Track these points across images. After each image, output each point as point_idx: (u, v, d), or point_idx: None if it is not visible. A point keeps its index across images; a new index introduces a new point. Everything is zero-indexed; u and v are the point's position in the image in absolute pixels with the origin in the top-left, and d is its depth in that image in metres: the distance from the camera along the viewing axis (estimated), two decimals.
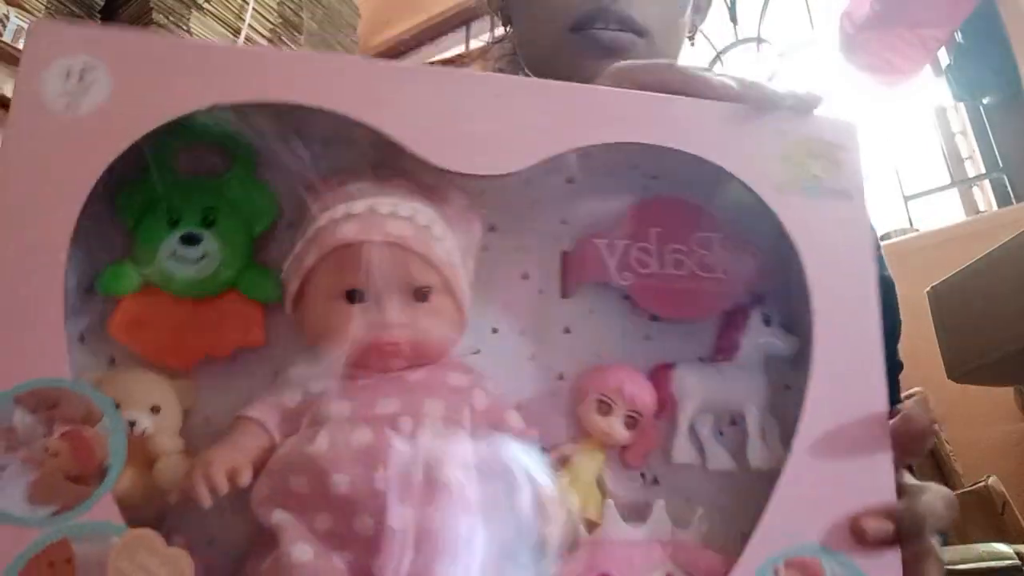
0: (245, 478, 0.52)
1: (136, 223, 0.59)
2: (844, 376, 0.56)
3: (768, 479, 0.56)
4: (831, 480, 0.54)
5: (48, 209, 0.50)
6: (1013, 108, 2.54)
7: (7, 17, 1.42)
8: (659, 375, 0.63)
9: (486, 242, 0.65)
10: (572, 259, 0.65)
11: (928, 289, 1.50)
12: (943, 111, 2.85)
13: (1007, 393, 2.20)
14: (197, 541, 0.54)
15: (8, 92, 1.40)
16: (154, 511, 0.53)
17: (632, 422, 0.60)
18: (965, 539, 1.50)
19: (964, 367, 1.30)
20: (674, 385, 0.62)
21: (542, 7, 0.95)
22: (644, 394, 0.60)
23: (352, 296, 0.55)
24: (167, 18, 1.98)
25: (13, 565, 0.45)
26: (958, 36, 2.48)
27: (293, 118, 0.58)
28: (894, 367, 0.78)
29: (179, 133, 0.58)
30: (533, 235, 0.66)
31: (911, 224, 2.77)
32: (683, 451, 0.61)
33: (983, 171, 2.70)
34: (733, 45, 2.76)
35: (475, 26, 3.36)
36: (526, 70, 1.04)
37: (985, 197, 2.73)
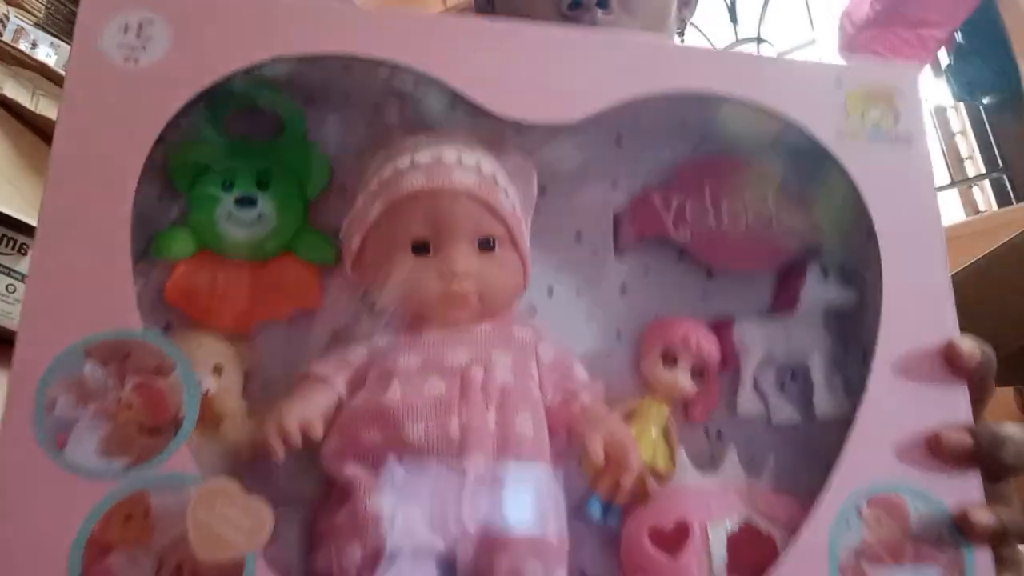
0: (317, 431, 0.51)
1: (190, 187, 0.58)
2: (915, 317, 0.55)
3: (835, 429, 0.55)
4: (909, 416, 0.53)
5: (112, 161, 0.49)
6: (1013, 108, 2.55)
7: (7, 17, 1.42)
8: (720, 330, 0.62)
9: (538, 203, 0.64)
10: (625, 217, 0.65)
11: None
12: (943, 111, 2.86)
13: (1007, 393, 2.20)
14: (268, 500, 0.53)
15: (8, 92, 1.40)
16: (223, 471, 0.51)
17: (698, 373, 0.59)
18: None
19: None
20: (736, 338, 0.61)
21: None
22: (709, 344, 0.59)
23: (418, 247, 0.54)
24: None
25: (89, 519, 0.44)
26: (958, 36, 2.49)
27: (349, 76, 0.58)
28: None
29: (230, 97, 0.58)
30: (584, 197, 0.66)
31: None
32: (749, 403, 0.61)
33: (983, 171, 2.71)
34: (733, 45, 2.77)
35: None
36: None
37: (985, 197, 2.74)
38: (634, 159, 0.67)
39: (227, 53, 0.52)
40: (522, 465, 0.51)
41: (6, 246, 1.21)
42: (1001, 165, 2.64)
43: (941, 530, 0.51)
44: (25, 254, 1.22)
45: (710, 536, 0.52)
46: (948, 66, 2.59)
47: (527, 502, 0.51)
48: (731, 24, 2.83)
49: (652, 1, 0.87)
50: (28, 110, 1.41)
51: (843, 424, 0.55)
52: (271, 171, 0.59)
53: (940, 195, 2.76)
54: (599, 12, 0.82)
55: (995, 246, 1.18)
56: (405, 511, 0.49)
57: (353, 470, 0.51)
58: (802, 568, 0.49)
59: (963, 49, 2.50)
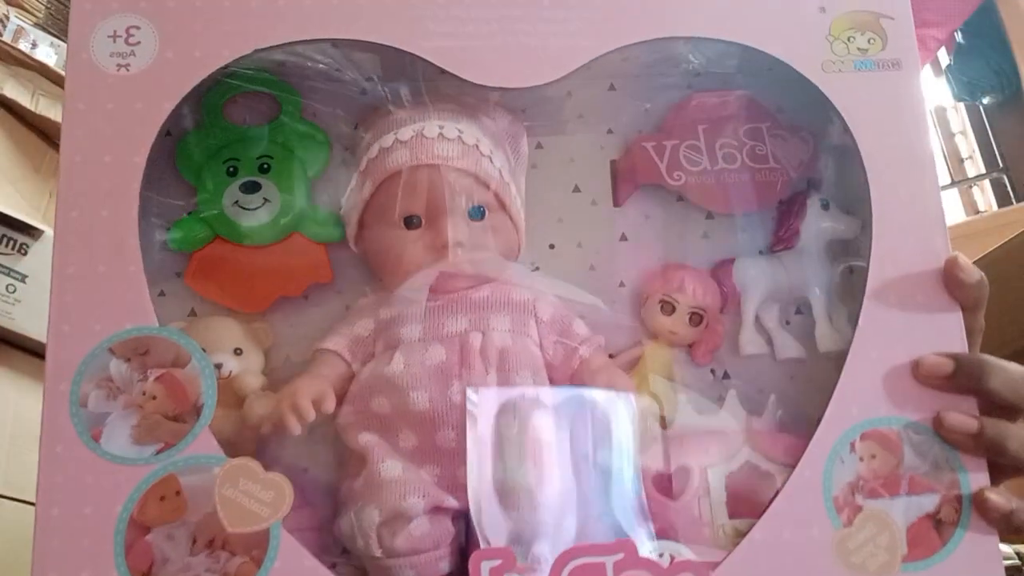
0: (329, 405, 0.54)
1: (197, 176, 0.61)
2: (907, 247, 0.55)
3: (838, 363, 0.56)
4: (902, 349, 0.53)
5: (115, 168, 0.52)
6: (1013, 108, 2.51)
7: (7, 17, 1.43)
8: (720, 271, 0.63)
9: (534, 159, 0.65)
10: (622, 166, 0.65)
11: None
12: (943, 111, 2.80)
13: None
14: (292, 469, 0.57)
15: (8, 92, 1.40)
16: (249, 447, 0.55)
17: (697, 319, 0.61)
18: None
19: None
20: (736, 278, 0.62)
21: None
22: (706, 289, 0.60)
23: (409, 222, 0.56)
24: None
25: (128, 501, 0.48)
26: (958, 36, 2.42)
27: (338, 53, 0.59)
28: None
29: (225, 84, 0.60)
30: (580, 148, 0.67)
31: None
32: (751, 342, 0.62)
33: (983, 171, 2.66)
34: None
35: None
36: None
37: (985, 197, 2.69)
38: (629, 104, 0.67)
39: (212, 50, 0.54)
40: (527, 422, 0.54)
41: (6, 246, 1.22)
42: (1001, 165, 2.60)
43: (937, 458, 0.52)
44: (25, 254, 1.23)
45: (709, 478, 0.54)
46: (948, 66, 2.52)
47: (534, 457, 0.53)
48: None
49: None
50: (28, 110, 1.41)
51: (846, 357, 0.55)
52: (271, 154, 0.62)
53: (940, 195, 2.67)
54: None
55: (995, 246, 1.15)
56: (417, 474, 0.53)
57: (366, 438, 0.54)
58: (796, 504, 0.51)
59: (963, 49, 2.45)
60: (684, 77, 0.67)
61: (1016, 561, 0.94)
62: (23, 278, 1.19)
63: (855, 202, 0.62)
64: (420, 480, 0.53)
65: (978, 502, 0.51)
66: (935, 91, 2.67)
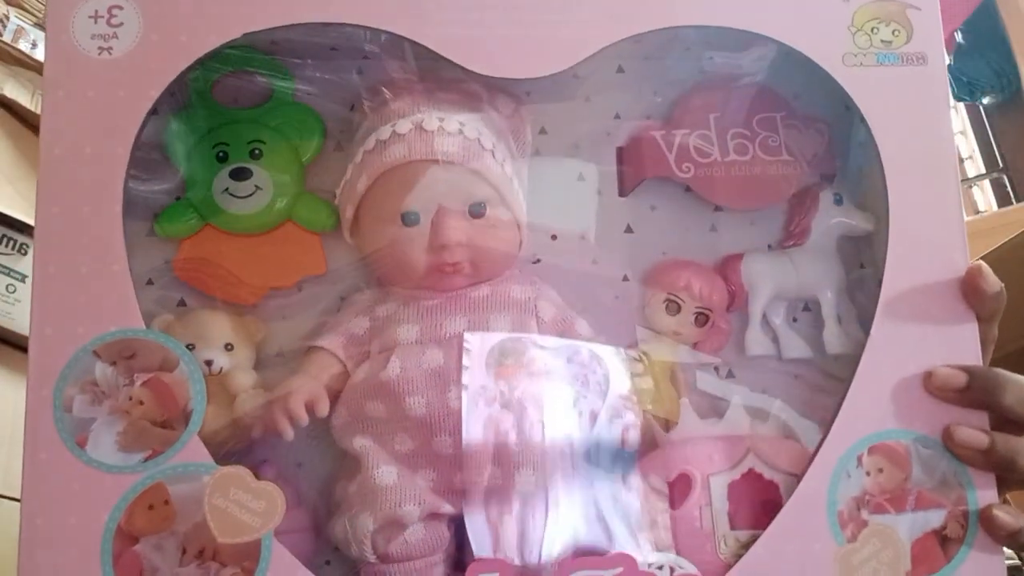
0: (323, 408, 0.52)
1: (186, 161, 0.58)
2: (924, 253, 0.53)
3: (846, 364, 0.55)
4: (913, 362, 0.52)
5: (98, 160, 0.50)
6: (1013, 108, 2.48)
7: (7, 17, 1.41)
8: (728, 266, 0.61)
9: (537, 145, 0.63)
10: (628, 155, 0.63)
11: None
12: None
13: None
14: (286, 468, 0.56)
15: (8, 92, 1.39)
16: (241, 444, 0.54)
17: (703, 319, 0.59)
18: None
19: None
20: (743, 275, 0.60)
21: None
22: (713, 289, 0.59)
23: (407, 219, 0.54)
24: None
25: (115, 510, 0.47)
26: (958, 36, 2.39)
27: (333, 36, 0.56)
28: None
29: (214, 64, 0.57)
30: (586, 134, 0.64)
31: None
32: (757, 342, 0.60)
33: (983, 171, 2.62)
34: None
35: None
36: None
37: (985, 197, 2.65)
38: (638, 88, 0.64)
39: (198, 33, 0.51)
40: (525, 429, 0.53)
41: (6, 246, 1.23)
42: (1001, 165, 2.57)
43: (945, 473, 0.51)
44: (25, 254, 1.24)
45: (711, 486, 0.53)
46: (948, 66, 2.41)
47: (532, 465, 0.52)
48: None
49: None
50: (28, 110, 1.41)
51: (854, 359, 0.54)
52: (263, 139, 0.59)
53: None
54: None
55: (995, 246, 1.13)
56: (412, 480, 0.52)
57: (361, 442, 0.53)
58: (800, 518, 0.50)
59: (963, 49, 2.40)
60: (696, 60, 0.64)
61: (1016, 561, 0.94)
62: (23, 278, 1.20)
63: (869, 197, 0.60)
64: (416, 487, 0.51)
65: (985, 519, 0.50)
66: None
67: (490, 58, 0.52)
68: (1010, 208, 2.39)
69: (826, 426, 0.52)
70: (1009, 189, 2.53)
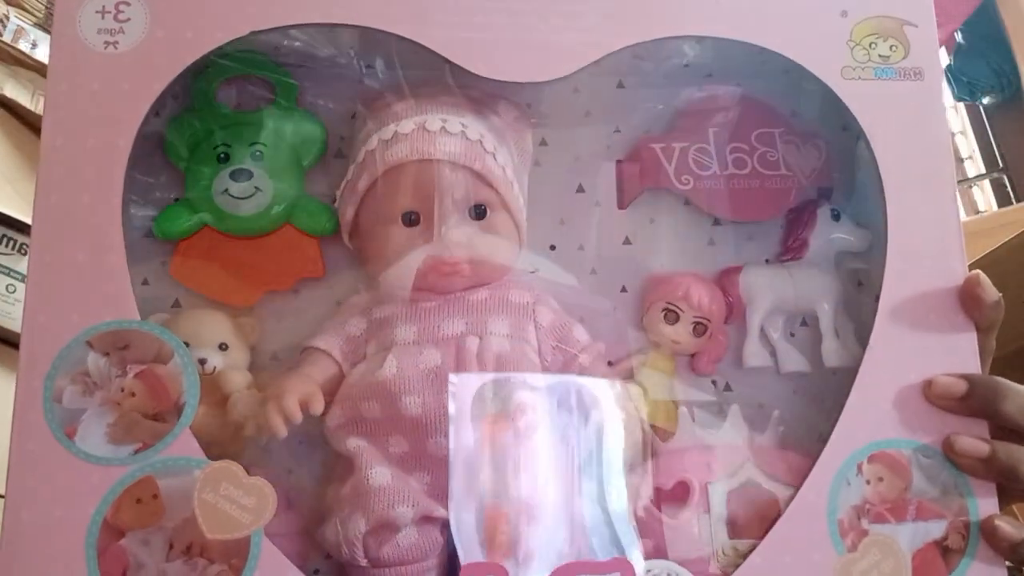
0: (317, 406, 0.52)
1: (187, 163, 0.58)
2: (922, 267, 0.53)
3: (844, 378, 0.54)
4: (913, 371, 0.52)
5: (100, 153, 0.50)
6: (1013, 108, 2.50)
7: (7, 17, 1.42)
8: (726, 279, 0.61)
9: (537, 156, 0.63)
10: (628, 167, 0.63)
11: None
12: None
13: None
14: (277, 474, 0.54)
15: (8, 92, 1.40)
16: (233, 446, 0.53)
17: (701, 329, 0.59)
18: None
19: None
20: (742, 288, 0.60)
21: None
22: (712, 298, 0.58)
23: (408, 219, 0.54)
24: None
25: (101, 504, 0.46)
26: (958, 36, 2.42)
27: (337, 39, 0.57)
28: None
29: (218, 65, 0.58)
30: (586, 146, 0.64)
31: None
32: (755, 355, 0.60)
33: (983, 171, 2.65)
34: None
35: None
36: None
37: (985, 197, 2.67)
38: (638, 103, 0.65)
39: (204, 30, 0.52)
40: (521, 433, 0.52)
41: (6, 246, 1.23)
42: (1001, 165, 2.59)
43: (946, 483, 0.50)
44: (25, 254, 1.24)
45: (710, 495, 0.52)
46: (948, 66, 2.49)
47: (527, 471, 0.51)
48: None
49: None
50: (28, 110, 1.41)
51: (852, 373, 0.54)
52: (265, 141, 0.59)
53: None
54: None
55: (995, 246, 1.14)
56: (407, 482, 0.51)
57: (355, 443, 0.52)
58: (799, 527, 0.50)
59: (963, 49, 2.43)
60: (696, 78, 0.65)
61: None
62: (23, 278, 1.19)
63: (868, 214, 0.61)
64: (409, 488, 0.51)
65: (987, 530, 0.49)
66: None
67: (493, 62, 0.53)
68: (1010, 208, 2.38)
69: (823, 439, 0.52)
70: (1009, 189, 2.53)
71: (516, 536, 0.50)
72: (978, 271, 0.51)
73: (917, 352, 0.52)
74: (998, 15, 2.37)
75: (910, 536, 0.50)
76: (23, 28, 1.43)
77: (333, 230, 0.59)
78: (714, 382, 0.61)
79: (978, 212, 2.60)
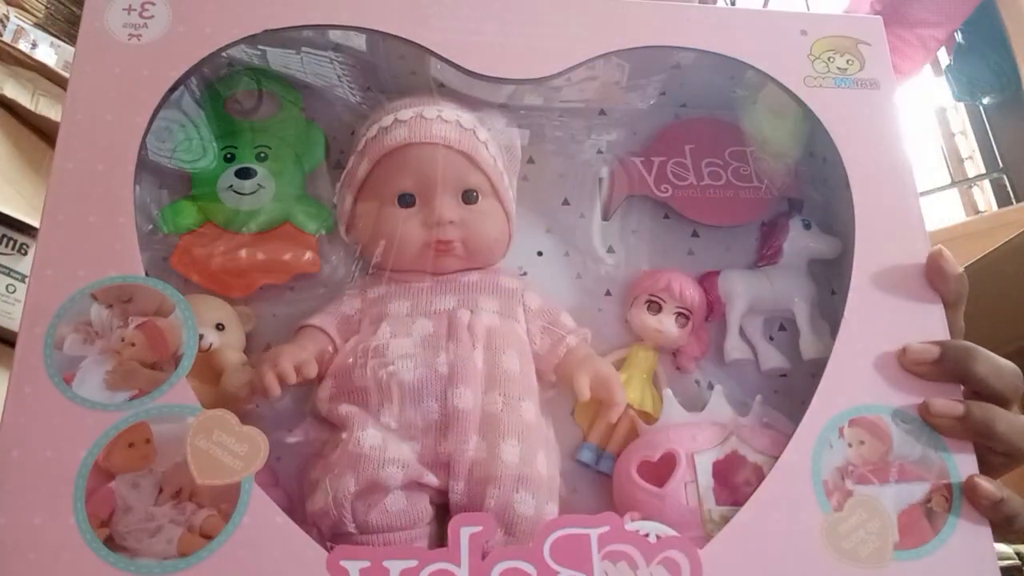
0: (311, 370, 0.53)
1: (193, 163, 0.62)
2: (888, 244, 0.56)
3: (821, 372, 0.56)
4: (886, 339, 0.54)
5: (118, 124, 0.53)
6: (1013, 108, 2.54)
7: (7, 17, 1.44)
8: (706, 281, 0.64)
9: (525, 173, 0.67)
10: (611, 180, 0.67)
11: None
12: (943, 111, 2.84)
13: None
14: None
15: (8, 92, 1.40)
16: None
17: (683, 319, 0.61)
18: None
19: None
20: (721, 288, 0.63)
21: None
22: (692, 289, 0.61)
23: (403, 200, 0.57)
24: None
25: (94, 447, 0.46)
26: (958, 36, 2.49)
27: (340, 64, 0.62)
28: None
29: (230, 79, 0.62)
30: (571, 165, 0.68)
31: None
32: (736, 348, 0.62)
33: (983, 171, 2.69)
34: None
35: None
36: None
37: (985, 197, 2.71)
38: (618, 127, 0.69)
39: (221, 28, 0.56)
40: (511, 401, 0.53)
41: (6, 246, 1.23)
42: (1001, 165, 2.62)
43: (925, 447, 0.51)
44: (25, 254, 1.23)
45: (696, 464, 0.53)
46: (948, 66, 2.57)
47: (516, 437, 0.52)
48: None
49: None
50: (28, 110, 1.41)
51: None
52: (269, 145, 0.63)
53: (940, 195, 2.71)
54: None
55: (995, 246, 1.18)
56: (398, 446, 0.51)
57: (347, 409, 0.52)
58: (785, 487, 0.50)
59: (963, 49, 2.50)
60: (672, 107, 0.70)
61: (1016, 561, 0.91)
62: (23, 278, 1.18)
63: (836, 223, 0.64)
64: (400, 451, 0.51)
65: (968, 488, 0.50)
66: (935, 91, 2.67)
67: (484, 60, 0.58)
68: (1010, 208, 2.38)
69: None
70: (1009, 189, 2.53)
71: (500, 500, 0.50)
72: (940, 246, 0.55)
73: (889, 325, 0.54)
74: (998, 15, 2.42)
75: (894, 497, 0.50)
76: (23, 28, 1.45)
77: (330, 229, 0.62)
78: (697, 381, 0.63)
79: (978, 212, 2.59)
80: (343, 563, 0.45)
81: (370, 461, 0.50)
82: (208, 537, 0.45)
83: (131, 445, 0.47)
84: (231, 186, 0.61)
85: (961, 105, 2.73)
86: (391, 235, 0.57)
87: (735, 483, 0.52)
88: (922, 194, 0.57)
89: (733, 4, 2.69)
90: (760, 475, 0.52)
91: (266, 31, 0.57)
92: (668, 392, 0.58)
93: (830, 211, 0.65)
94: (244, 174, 0.61)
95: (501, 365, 0.53)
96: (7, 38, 1.43)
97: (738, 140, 0.67)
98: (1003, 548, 0.92)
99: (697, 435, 0.55)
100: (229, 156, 0.62)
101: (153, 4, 0.56)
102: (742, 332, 0.63)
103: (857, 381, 0.53)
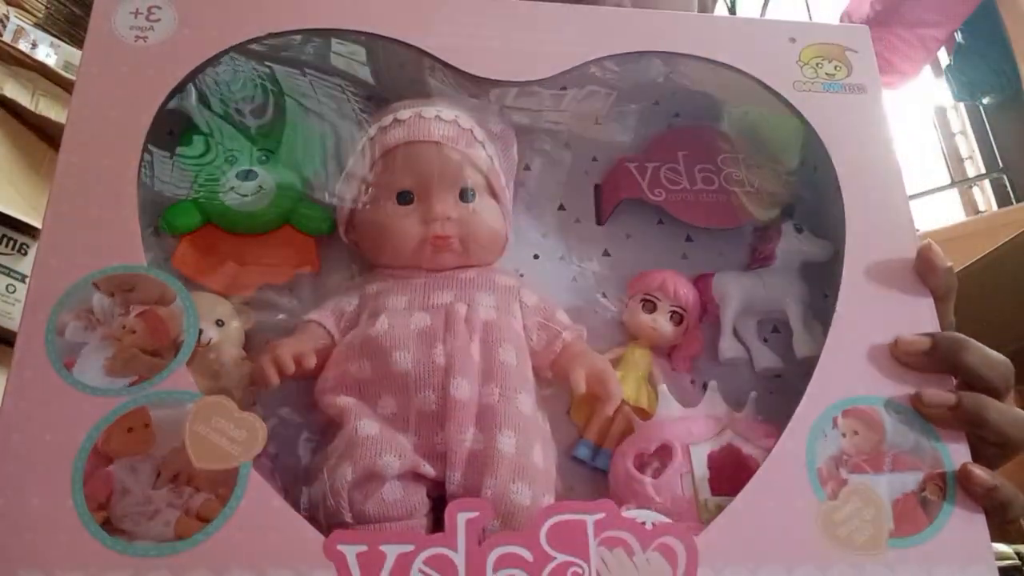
0: (310, 361, 0.53)
1: (196, 165, 0.63)
2: (878, 241, 0.57)
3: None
4: (878, 336, 0.54)
5: (123, 121, 0.54)
6: (1013, 108, 2.55)
7: (7, 17, 1.44)
8: (700, 283, 0.65)
9: (522, 179, 0.68)
10: (605, 185, 0.68)
11: None
12: (943, 111, 2.85)
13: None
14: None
15: (8, 92, 1.40)
16: None
17: (677, 318, 0.61)
18: None
19: None
20: (714, 289, 0.64)
21: None
22: (686, 289, 0.62)
23: (402, 198, 0.58)
24: None
25: (93, 431, 0.46)
26: (958, 36, 2.50)
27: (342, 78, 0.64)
28: None
29: (235, 88, 0.64)
30: (567, 172, 0.70)
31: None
32: (730, 347, 0.63)
33: (983, 171, 2.69)
34: None
35: None
36: None
37: (985, 197, 2.71)
38: (612, 136, 0.71)
39: (226, 30, 0.58)
40: (507, 393, 0.53)
41: (6, 246, 1.23)
42: (1001, 165, 2.63)
43: (919, 437, 0.52)
44: (25, 254, 1.22)
45: (692, 455, 0.53)
46: (948, 66, 2.58)
47: (512, 429, 0.53)
48: None
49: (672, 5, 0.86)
50: (28, 110, 1.41)
51: None
52: (270, 148, 0.64)
53: (940, 195, 2.70)
54: None
55: (995, 246, 1.18)
56: (395, 436, 0.52)
57: (344, 400, 0.53)
58: (780, 475, 0.50)
59: (963, 49, 2.50)
60: (665, 117, 0.72)
61: (1016, 561, 0.90)
62: (23, 278, 1.18)
63: (827, 228, 0.65)
64: (397, 441, 0.51)
65: (962, 475, 0.50)
66: (935, 91, 2.67)
67: (482, 63, 0.59)
68: (1010, 208, 2.38)
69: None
70: (1009, 189, 2.53)
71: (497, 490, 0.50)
72: (929, 240, 0.56)
73: (880, 318, 0.55)
74: (998, 15, 2.43)
75: (888, 486, 0.50)
76: (23, 28, 1.45)
77: (330, 230, 0.63)
78: (692, 381, 0.63)
79: (978, 212, 2.58)
80: (340, 547, 0.45)
81: (367, 450, 0.50)
82: (205, 520, 0.45)
83: (130, 430, 0.47)
84: (233, 188, 0.62)
85: (961, 105, 2.73)
86: (389, 231, 0.58)
87: (730, 474, 0.53)
88: (922, 194, 0.58)
89: (733, 6, 2.73)
90: (755, 467, 0.53)
91: (269, 34, 0.58)
92: (664, 388, 0.58)
93: (821, 215, 0.66)
94: (246, 176, 0.62)
95: (498, 358, 0.54)
96: (7, 38, 1.43)
97: (730, 148, 0.69)
98: (1003, 548, 0.92)
99: (692, 428, 0.55)
100: (231, 158, 0.63)
101: (159, 8, 0.58)
102: (736, 334, 0.64)
103: (850, 373, 0.53)
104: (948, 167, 2.78)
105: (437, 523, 0.52)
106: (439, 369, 0.52)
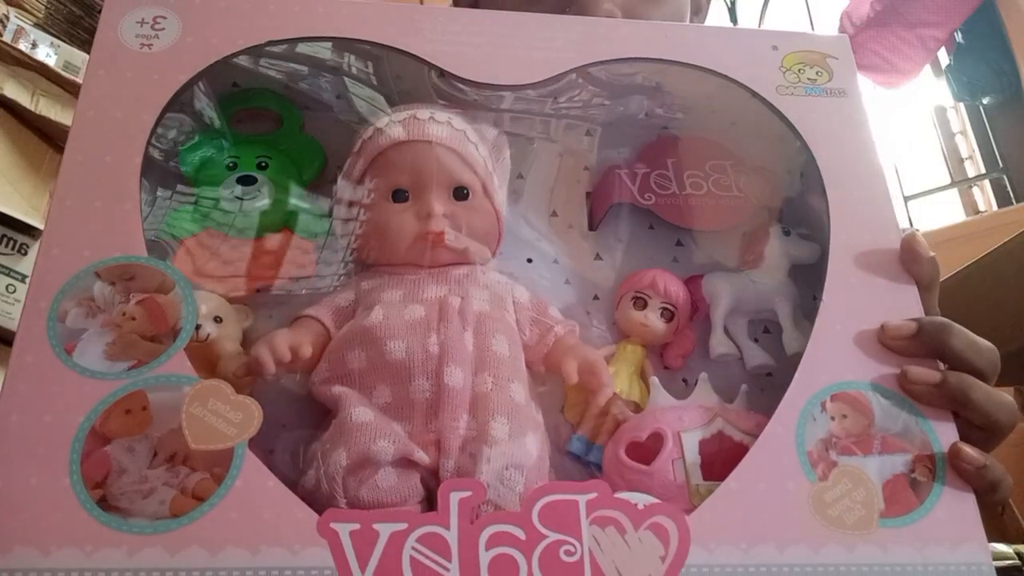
0: (306, 351, 0.54)
1: (197, 171, 0.65)
2: (862, 232, 0.59)
3: None
4: (864, 322, 0.55)
5: (128, 122, 0.56)
6: (1013, 108, 2.55)
7: (7, 17, 1.44)
8: (690, 284, 0.66)
9: (515, 187, 0.70)
10: (596, 191, 0.70)
11: None
12: (943, 111, 2.85)
13: (1007, 393, 2.10)
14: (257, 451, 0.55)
15: (8, 92, 1.40)
16: None
17: (668, 315, 0.62)
18: None
19: None
20: (705, 288, 0.65)
21: None
22: (676, 286, 0.63)
23: (397, 196, 0.59)
24: None
25: (92, 412, 0.47)
26: (958, 36, 2.50)
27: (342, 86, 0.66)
28: None
29: (236, 99, 0.66)
30: (559, 180, 0.72)
31: (911, 224, 2.71)
32: (721, 343, 0.63)
33: (983, 171, 2.69)
34: None
35: None
36: None
37: (985, 197, 2.71)
38: (603, 146, 0.73)
39: (227, 39, 0.60)
40: (501, 382, 0.54)
41: (6, 246, 1.24)
42: (1001, 165, 2.63)
43: (906, 420, 0.52)
44: (25, 254, 1.22)
45: (683, 442, 0.54)
46: (948, 66, 2.59)
47: (506, 417, 0.53)
48: (731, 24, 2.89)
49: (664, 11, 0.86)
50: (28, 110, 1.42)
51: None
52: (270, 156, 0.66)
53: (940, 195, 2.69)
54: None
55: (995, 246, 1.19)
56: (389, 423, 0.52)
57: (340, 390, 0.54)
58: (770, 457, 0.51)
59: (963, 49, 2.51)
60: (654, 129, 0.74)
61: (1016, 561, 0.89)
62: (23, 278, 1.18)
63: (813, 230, 0.67)
64: (391, 428, 0.52)
65: (952, 454, 0.51)
66: (935, 91, 2.66)
67: (475, 68, 0.61)
68: (1010, 208, 2.37)
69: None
70: (1009, 189, 2.51)
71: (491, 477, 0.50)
72: (914, 229, 0.57)
73: (866, 307, 0.56)
74: (998, 15, 2.43)
75: (878, 467, 0.51)
76: (23, 28, 1.45)
77: (327, 234, 0.64)
78: (684, 380, 0.64)
79: (978, 212, 2.57)
80: (333, 525, 0.46)
81: (362, 436, 0.51)
82: (200, 499, 0.46)
83: (128, 411, 0.48)
84: (232, 192, 0.63)
85: (961, 105, 2.73)
86: (385, 228, 0.59)
87: (722, 460, 0.53)
88: (922, 194, 0.59)
89: (733, 8, 2.77)
90: (746, 452, 0.53)
91: (269, 42, 0.60)
92: (655, 380, 0.59)
93: (808, 218, 0.68)
94: (246, 181, 0.64)
95: (491, 348, 0.55)
96: (7, 38, 1.44)
97: (718, 155, 0.70)
98: (1003, 548, 0.91)
99: (684, 416, 0.56)
100: (231, 164, 0.65)
101: (164, 18, 0.60)
102: (728, 334, 0.65)
103: (837, 360, 0.54)
104: (948, 167, 2.77)
105: (431, 508, 0.52)
106: (433, 358, 0.53)
